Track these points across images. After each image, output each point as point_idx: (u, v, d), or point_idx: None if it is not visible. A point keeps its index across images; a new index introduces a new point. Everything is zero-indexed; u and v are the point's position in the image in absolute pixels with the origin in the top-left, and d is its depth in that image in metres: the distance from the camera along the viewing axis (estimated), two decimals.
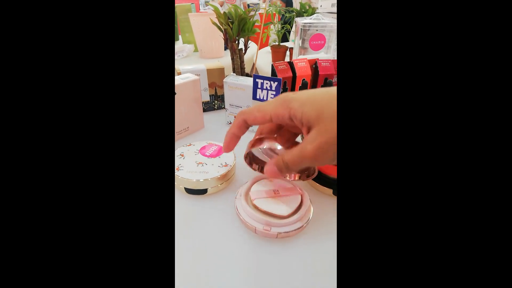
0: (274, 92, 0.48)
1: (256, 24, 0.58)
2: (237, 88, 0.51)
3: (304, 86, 0.51)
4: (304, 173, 0.38)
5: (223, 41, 0.98)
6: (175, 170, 0.38)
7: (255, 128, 0.37)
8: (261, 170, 0.40)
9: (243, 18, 0.54)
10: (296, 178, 0.38)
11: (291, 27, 1.04)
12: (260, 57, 1.03)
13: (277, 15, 0.99)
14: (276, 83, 0.47)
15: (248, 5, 2.69)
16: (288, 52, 1.02)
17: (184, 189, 0.38)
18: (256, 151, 0.39)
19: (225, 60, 0.98)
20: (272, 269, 0.28)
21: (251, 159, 0.40)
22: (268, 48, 1.20)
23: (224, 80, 0.51)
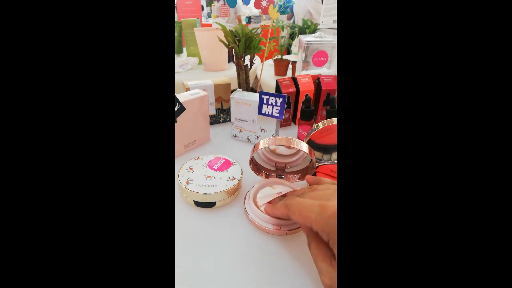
0: (279, 108, 0.50)
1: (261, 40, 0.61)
2: (244, 103, 0.53)
3: (307, 101, 0.53)
4: (303, 174, 0.43)
5: (227, 55, 1.01)
6: (185, 184, 0.39)
7: (253, 140, 0.39)
8: (264, 175, 0.44)
9: (249, 36, 0.56)
10: (297, 179, 0.43)
11: (293, 41, 1.07)
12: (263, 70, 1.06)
13: (282, 30, 1.02)
14: (281, 99, 0.49)
15: (250, 18, 2.75)
16: (290, 66, 1.05)
17: (193, 202, 0.39)
18: (256, 156, 0.43)
19: (228, 73, 1.01)
20: (286, 261, 0.31)
21: (255, 164, 0.43)
22: (270, 61, 1.23)
23: (231, 96, 0.53)
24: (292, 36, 1.05)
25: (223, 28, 0.57)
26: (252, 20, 2.77)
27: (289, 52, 1.36)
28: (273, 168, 0.45)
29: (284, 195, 0.38)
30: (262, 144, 0.39)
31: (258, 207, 0.37)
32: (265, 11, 0.54)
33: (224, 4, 1.26)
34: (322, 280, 0.24)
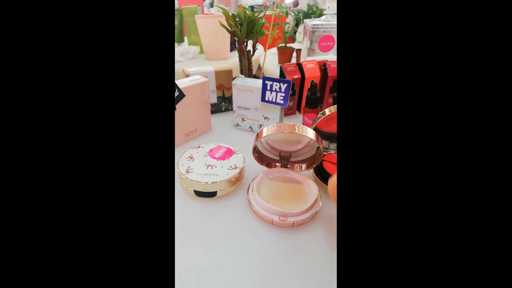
0: (283, 94, 0.48)
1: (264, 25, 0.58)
2: (246, 90, 0.51)
3: (313, 87, 0.51)
4: (309, 163, 0.41)
5: (229, 43, 0.98)
6: (185, 172, 0.37)
7: (256, 129, 0.37)
8: (266, 164, 0.42)
9: (252, 20, 0.53)
10: (303, 168, 0.41)
11: (298, 28, 1.04)
12: (266, 58, 1.02)
13: (288, 16, 0.98)
14: (285, 85, 0.47)
15: (252, 7, 2.70)
16: (294, 54, 1.01)
17: (193, 191, 0.37)
18: (260, 145, 0.41)
19: (230, 61, 0.98)
20: (292, 255, 0.30)
21: (258, 153, 0.41)
22: (274, 50, 1.19)
23: (232, 82, 0.51)
24: (297, 23, 1.02)
25: (224, 11, 0.54)
26: (255, 9, 2.72)
27: (293, 41, 1.32)
28: (277, 158, 0.43)
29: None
30: (265, 131, 0.36)
31: (264, 197, 0.36)
32: None
33: None
34: None
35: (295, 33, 1.04)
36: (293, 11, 0.97)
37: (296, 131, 0.35)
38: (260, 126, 0.54)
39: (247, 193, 0.38)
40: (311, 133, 0.35)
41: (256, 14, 0.54)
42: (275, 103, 0.49)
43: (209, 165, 0.39)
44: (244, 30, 0.55)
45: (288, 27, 0.92)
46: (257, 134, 0.38)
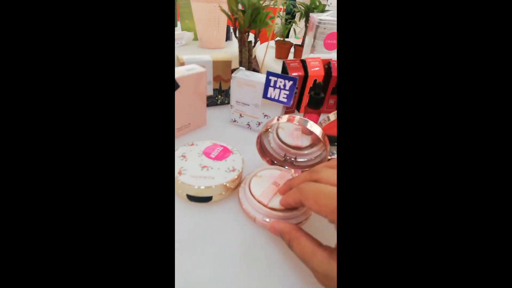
0: (287, 92, 0.44)
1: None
2: (247, 84, 0.46)
3: (318, 87, 0.47)
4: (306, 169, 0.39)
5: (225, 32, 0.93)
6: (177, 174, 0.33)
7: (254, 126, 0.34)
8: (269, 162, 0.40)
9: (256, 7, 0.49)
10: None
11: (298, 22, 0.99)
12: (261, 51, 0.98)
13: (283, 8, 0.94)
14: (291, 82, 0.43)
15: None
16: (292, 49, 0.97)
17: (186, 196, 0.33)
18: (265, 140, 0.40)
19: (226, 51, 0.92)
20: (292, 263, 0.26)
21: (261, 146, 0.39)
22: (271, 43, 1.15)
23: (233, 75, 0.46)
24: (294, 15, 0.97)
25: None
26: None
27: (287, 36, 1.28)
28: (281, 158, 0.40)
29: (277, 183, 0.34)
30: (276, 120, 0.34)
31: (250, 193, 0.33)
32: None
33: None
34: (318, 277, 0.22)
35: (291, 24, 1.00)
36: (292, 3, 0.93)
37: (308, 125, 0.33)
38: (259, 123, 0.50)
39: (239, 188, 0.36)
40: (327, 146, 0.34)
41: (261, 2, 0.50)
42: (278, 101, 0.45)
43: (204, 166, 0.35)
44: (247, 18, 0.50)
45: (282, 22, 0.88)
46: (266, 123, 0.35)
